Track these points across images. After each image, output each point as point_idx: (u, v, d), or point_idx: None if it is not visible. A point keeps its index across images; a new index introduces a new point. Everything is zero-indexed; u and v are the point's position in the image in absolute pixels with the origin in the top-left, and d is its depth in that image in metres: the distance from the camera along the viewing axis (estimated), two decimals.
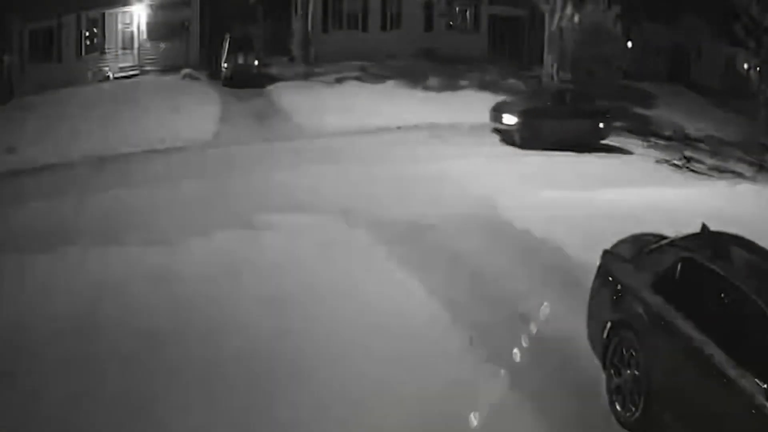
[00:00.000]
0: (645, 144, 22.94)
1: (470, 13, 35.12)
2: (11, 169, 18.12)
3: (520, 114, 21.38)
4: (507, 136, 21.35)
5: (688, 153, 21.74)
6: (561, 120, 21.43)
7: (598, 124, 21.96)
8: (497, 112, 22.16)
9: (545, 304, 8.93)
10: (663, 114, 28.68)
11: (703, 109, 31.84)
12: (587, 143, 20.95)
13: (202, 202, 14.19)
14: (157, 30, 31.25)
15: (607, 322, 7.01)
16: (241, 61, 28.59)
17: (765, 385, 5.29)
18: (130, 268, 10.37)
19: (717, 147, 23.54)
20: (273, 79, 29.29)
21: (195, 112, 23.52)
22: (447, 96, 27.19)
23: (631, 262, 7.25)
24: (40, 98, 26.04)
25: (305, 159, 18.12)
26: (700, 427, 5.88)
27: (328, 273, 10.20)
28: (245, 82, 28.10)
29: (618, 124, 23.20)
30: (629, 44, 37.46)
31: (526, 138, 20.77)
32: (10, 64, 29.86)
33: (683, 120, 27.17)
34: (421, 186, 15.36)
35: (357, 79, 29.25)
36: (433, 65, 30.55)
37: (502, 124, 21.73)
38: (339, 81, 28.92)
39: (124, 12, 30.93)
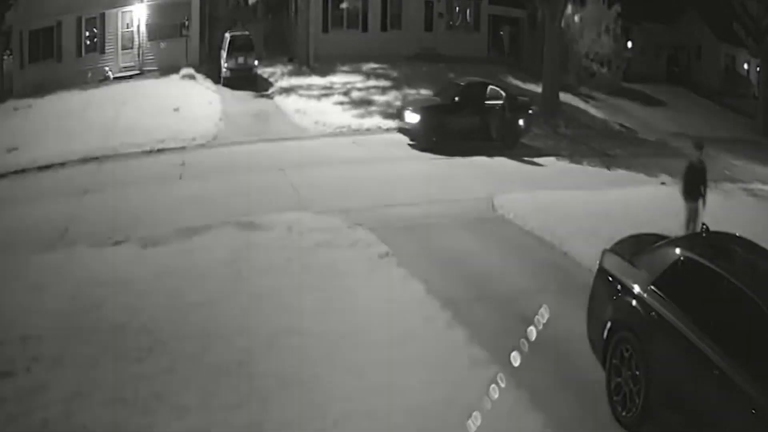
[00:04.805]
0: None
1: (470, 13, 35.04)
2: (12, 168, 18.15)
3: (422, 111, 19.19)
4: (412, 136, 19.33)
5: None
6: (469, 117, 19.12)
7: (517, 121, 19.30)
8: (401, 109, 20.12)
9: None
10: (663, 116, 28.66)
11: (708, 110, 31.82)
12: (502, 143, 18.79)
13: (201, 202, 14.19)
14: (157, 30, 31.18)
15: (607, 322, 7.01)
16: (241, 61, 28.53)
17: (765, 385, 5.29)
18: (129, 268, 10.37)
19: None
20: (273, 81, 29.18)
21: (194, 113, 23.44)
22: None
23: (631, 262, 7.25)
24: (39, 98, 26.01)
25: (305, 159, 18.14)
26: (700, 427, 5.87)
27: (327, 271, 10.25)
28: (245, 82, 28.04)
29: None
30: (629, 44, 37.51)
31: (426, 137, 18.76)
32: (10, 64, 29.90)
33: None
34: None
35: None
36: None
37: (404, 122, 19.51)
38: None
39: (124, 12, 30.87)
